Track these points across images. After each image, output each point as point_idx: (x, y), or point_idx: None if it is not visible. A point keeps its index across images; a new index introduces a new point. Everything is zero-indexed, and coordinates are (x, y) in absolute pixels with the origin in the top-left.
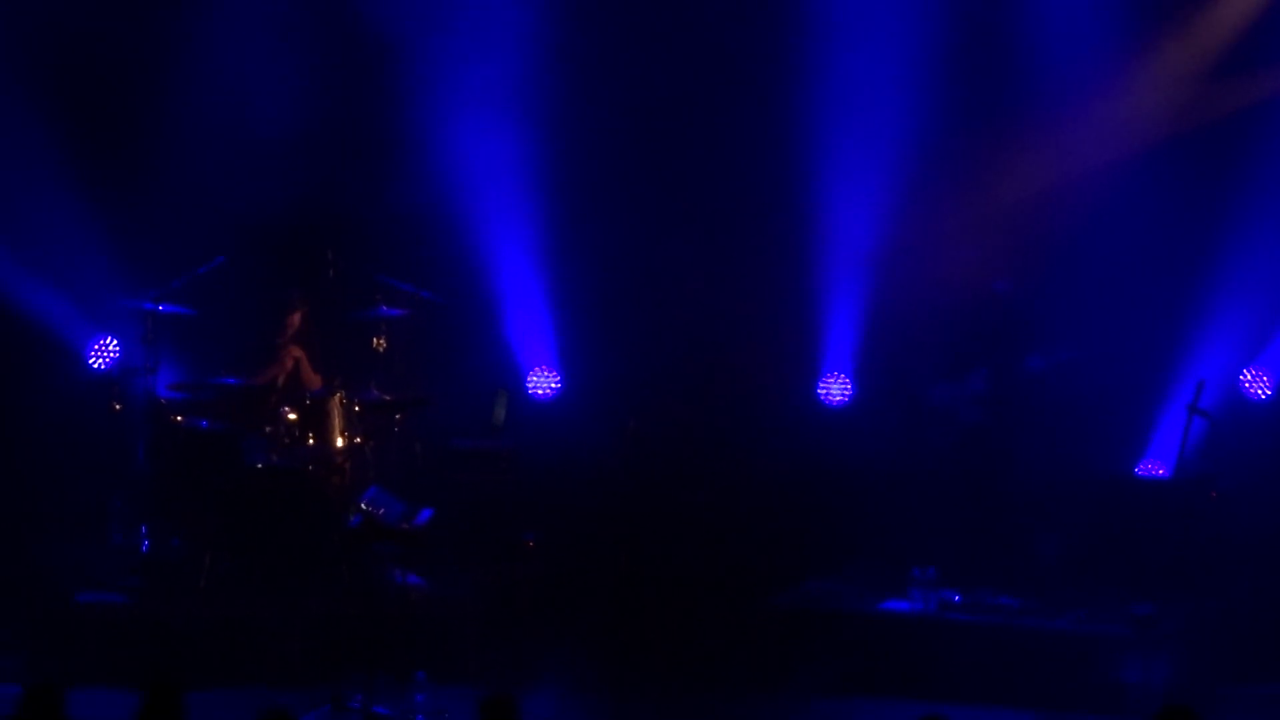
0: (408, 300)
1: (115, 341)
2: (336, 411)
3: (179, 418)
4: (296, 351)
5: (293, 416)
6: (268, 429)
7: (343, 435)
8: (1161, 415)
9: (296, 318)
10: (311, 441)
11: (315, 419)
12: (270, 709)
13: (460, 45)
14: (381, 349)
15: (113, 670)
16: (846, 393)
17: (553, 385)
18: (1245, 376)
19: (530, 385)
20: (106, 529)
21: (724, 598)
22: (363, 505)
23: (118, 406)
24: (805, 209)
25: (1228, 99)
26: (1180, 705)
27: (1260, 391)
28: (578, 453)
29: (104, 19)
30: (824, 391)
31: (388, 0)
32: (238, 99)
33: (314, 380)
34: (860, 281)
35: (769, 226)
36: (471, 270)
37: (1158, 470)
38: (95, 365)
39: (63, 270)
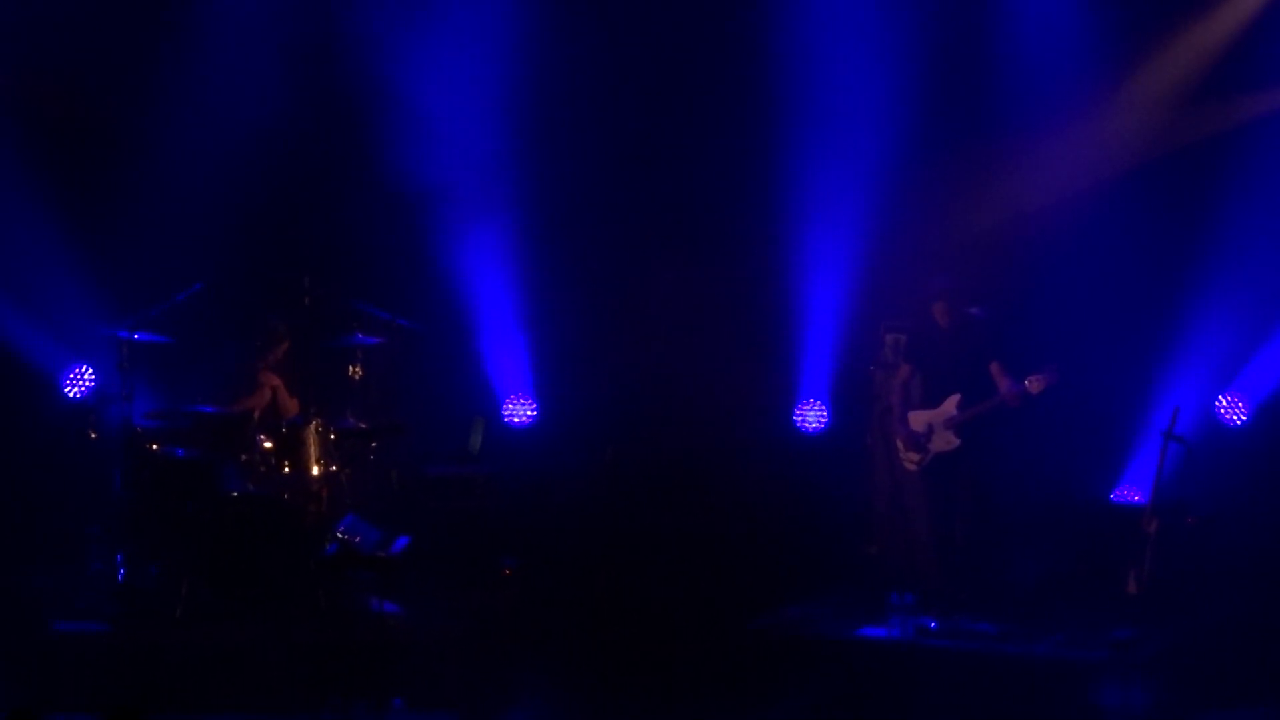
0: (384, 328)
1: (91, 370)
2: (313, 439)
3: (155, 446)
4: (273, 379)
5: (269, 444)
6: (244, 457)
7: (319, 463)
8: (1138, 441)
9: (284, 347)
10: (288, 469)
11: (291, 447)
12: None
13: (439, 74)
14: (358, 376)
15: (90, 697)
16: (823, 419)
17: (529, 413)
18: (1220, 402)
19: (507, 413)
20: (83, 557)
21: (702, 624)
22: (339, 533)
23: (94, 435)
24: (783, 237)
25: (1203, 124)
26: None
27: (1235, 417)
28: (555, 480)
29: (80, 44)
30: (801, 418)
31: (367, 28)
32: (214, 127)
33: (290, 408)
34: (837, 308)
35: (746, 254)
36: (448, 298)
37: (1134, 496)
38: (71, 394)
39: (38, 298)
